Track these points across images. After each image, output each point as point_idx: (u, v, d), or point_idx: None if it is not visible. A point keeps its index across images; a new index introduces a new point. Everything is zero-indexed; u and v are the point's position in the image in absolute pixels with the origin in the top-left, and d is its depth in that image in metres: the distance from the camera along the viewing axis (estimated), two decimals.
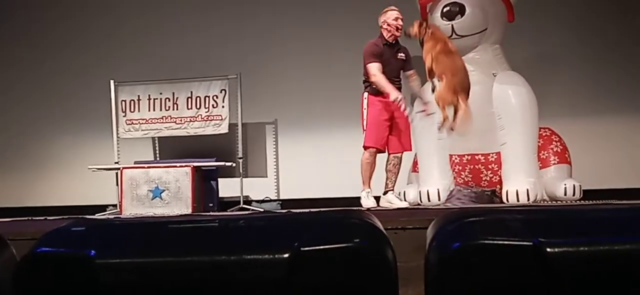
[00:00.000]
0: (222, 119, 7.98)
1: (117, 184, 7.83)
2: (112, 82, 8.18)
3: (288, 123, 8.52)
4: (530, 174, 6.48)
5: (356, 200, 6.52)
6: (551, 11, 7.94)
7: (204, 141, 8.13)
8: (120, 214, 7.58)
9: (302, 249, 1.29)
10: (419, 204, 6.69)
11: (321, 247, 1.30)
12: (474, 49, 6.71)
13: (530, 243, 1.25)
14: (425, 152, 6.85)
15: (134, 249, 1.36)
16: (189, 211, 7.40)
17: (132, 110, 8.20)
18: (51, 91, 8.96)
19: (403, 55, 6.44)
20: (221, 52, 8.47)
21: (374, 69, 6.19)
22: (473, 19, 6.60)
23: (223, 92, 8.00)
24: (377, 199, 6.50)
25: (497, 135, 6.58)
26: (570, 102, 7.82)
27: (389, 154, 6.41)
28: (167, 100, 8.14)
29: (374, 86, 6.22)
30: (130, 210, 7.57)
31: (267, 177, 8.57)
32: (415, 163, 7.13)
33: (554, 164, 6.77)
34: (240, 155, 8.08)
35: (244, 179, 8.05)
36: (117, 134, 8.21)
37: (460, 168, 6.83)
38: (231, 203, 7.98)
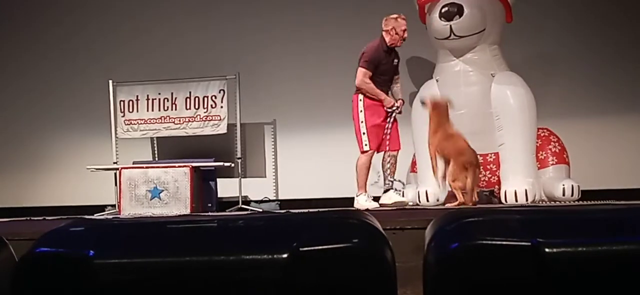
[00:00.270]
0: (220, 119, 7.98)
1: (116, 184, 7.83)
2: (110, 82, 8.17)
3: (287, 123, 8.52)
4: (529, 175, 6.48)
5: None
6: (549, 12, 7.94)
7: (203, 141, 8.13)
8: (119, 214, 7.57)
9: (300, 249, 1.29)
10: (417, 204, 6.69)
11: (320, 247, 1.30)
12: (473, 49, 6.71)
13: (529, 243, 1.25)
14: (423, 152, 6.85)
15: (133, 249, 1.36)
16: (188, 211, 7.39)
17: (130, 110, 8.19)
18: (50, 91, 8.95)
19: (396, 61, 6.55)
20: (220, 52, 8.47)
21: (363, 74, 6.29)
22: (471, 20, 6.60)
23: (222, 92, 7.99)
24: (376, 199, 6.53)
25: (495, 135, 6.58)
26: (569, 102, 7.83)
27: (385, 153, 6.46)
28: (166, 100, 8.14)
29: (361, 91, 6.30)
30: (129, 210, 7.57)
31: (265, 177, 8.56)
32: (413, 163, 7.14)
33: (552, 164, 6.78)
34: (238, 155, 8.08)
35: (242, 179, 8.05)
36: (116, 134, 8.21)
37: None
38: (230, 203, 7.98)
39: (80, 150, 8.76)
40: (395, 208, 6.31)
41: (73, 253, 1.35)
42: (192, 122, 8.06)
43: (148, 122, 8.16)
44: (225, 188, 8.11)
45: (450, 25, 6.59)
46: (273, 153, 8.63)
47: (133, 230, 1.50)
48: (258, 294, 1.30)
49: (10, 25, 9.09)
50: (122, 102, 8.20)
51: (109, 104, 8.18)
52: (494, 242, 1.27)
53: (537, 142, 6.71)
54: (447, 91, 6.76)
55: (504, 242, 1.27)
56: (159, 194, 7.54)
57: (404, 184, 6.82)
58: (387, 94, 6.51)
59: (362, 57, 6.35)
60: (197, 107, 8.04)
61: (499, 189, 6.61)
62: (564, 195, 6.50)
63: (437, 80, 6.88)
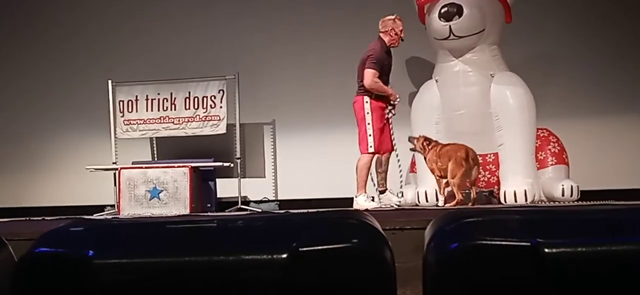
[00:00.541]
0: (220, 120, 7.98)
1: (115, 185, 7.83)
2: (109, 82, 8.17)
3: (286, 123, 8.52)
4: (528, 175, 6.49)
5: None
6: (549, 12, 7.95)
7: (202, 141, 8.13)
8: (118, 215, 7.57)
9: (300, 249, 1.29)
10: (417, 205, 6.70)
11: (319, 247, 1.30)
12: (472, 49, 6.71)
13: (528, 244, 1.25)
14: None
15: (132, 250, 1.36)
16: (187, 211, 7.39)
17: (129, 110, 8.19)
18: (49, 91, 8.95)
19: (391, 59, 6.60)
20: (219, 52, 8.47)
21: (373, 75, 6.32)
22: (471, 20, 6.60)
23: (221, 92, 7.99)
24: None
25: (494, 136, 6.58)
26: (568, 102, 7.83)
27: (381, 155, 6.52)
28: (165, 100, 8.13)
29: (373, 91, 6.33)
30: (128, 210, 7.57)
31: (265, 177, 8.56)
32: (413, 163, 7.14)
33: (552, 164, 6.78)
34: (238, 155, 8.08)
35: (242, 180, 8.05)
36: (115, 134, 8.20)
37: None
38: (229, 203, 7.98)
39: (79, 151, 8.76)
40: (395, 208, 6.34)
41: (72, 253, 1.35)
42: (192, 122, 8.06)
43: (147, 122, 8.15)
44: (225, 188, 8.11)
45: (450, 26, 6.59)
46: (272, 153, 8.63)
47: (132, 230, 1.50)
48: (257, 294, 1.29)
49: (10, 25, 9.08)
50: (121, 102, 8.20)
51: (108, 104, 8.17)
52: (493, 243, 1.27)
53: (536, 143, 6.71)
54: (447, 91, 6.77)
55: (504, 243, 1.27)
56: (158, 194, 7.54)
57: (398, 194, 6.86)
58: None
59: (368, 59, 6.38)
60: (196, 107, 8.04)
61: (499, 189, 6.61)
62: (563, 195, 6.51)
63: (436, 81, 6.88)
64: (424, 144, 6.36)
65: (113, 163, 8.10)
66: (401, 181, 7.09)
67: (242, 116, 8.05)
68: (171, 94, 8.12)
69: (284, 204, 8.17)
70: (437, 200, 6.50)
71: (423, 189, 6.66)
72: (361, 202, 6.37)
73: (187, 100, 8.07)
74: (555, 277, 1.23)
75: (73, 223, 1.49)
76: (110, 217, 7.28)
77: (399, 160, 6.78)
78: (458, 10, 6.56)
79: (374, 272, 1.30)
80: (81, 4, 8.97)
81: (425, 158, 6.39)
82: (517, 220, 1.35)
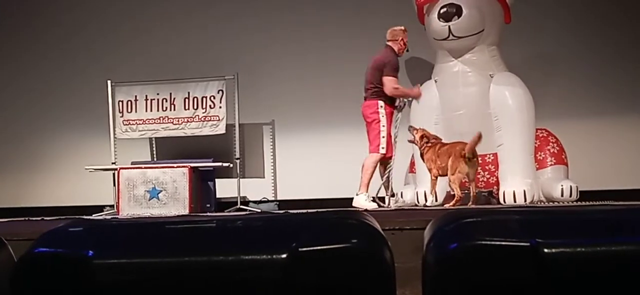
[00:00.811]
0: (219, 120, 7.97)
1: (114, 185, 7.83)
2: (109, 82, 8.17)
3: (285, 124, 8.52)
4: (527, 175, 6.49)
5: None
6: (549, 12, 7.95)
7: (201, 142, 8.13)
8: (118, 215, 7.57)
9: (299, 249, 1.29)
10: (416, 205, 6.70)
11: (319, 247, 1.30)
12: (471, 50, 6.71)
13: (527, 244, 1.25)
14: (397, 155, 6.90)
15: (131, 250, 1.36)
16: (187, 212, 7.39)
17: (129, 110, 8.19)
18: (48, 91, 8.95)
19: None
20: (218, 52, 8.47)
21: (394, 82, 6.54)
22: (470, 20, 6.60)
23: (220, 92, 7.99)
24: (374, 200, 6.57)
25: (494, 136, 6.58)
26: (568, 102, 7.84)
27: (386, 159, 6.65)
28: (165, 100, 8.13)
29: (395, 96, 6.46)
30: (128, 210, 7.56)
31: (264, 177, 8.56)
32: (412, 164, 7.14)
33: (551, 165, 6.78)
34: (237, 155, 8.08)
35: (241, 180, 8.05)
36: (114, 134, 8.20)
37: None
38: (228, 204, 7.97)
39: (79, 151, 8.76)
40: (395, 209, 6.36)
41: (71, 253, 1.35)
42: (191, 122, 8.05)
43: (147, 122, 8.15)
44: (224, 188, 8.10)
45: (449, 26, 6.59)
46: (272, 153, 8.62)
47: (131, 230, 1.50)
48: (257, 294, 1.29)
49: (10, 25, 9.08)
50: (120, 103, 8.19)
51: (107, 104, 8.17)
52: (492, 243, 1.27)
53: (535, 143, 6.71)
54: (446, 92, 6.77)
55: (503, 243, 1.27)
56: (158, 194, 7.54)
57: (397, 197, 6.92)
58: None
59: (386, 67, 6.55)
60: (195, 107, 8.04)
61: (498, 189, 6.61)
62: (562, 195, 6.51)
63: (436, 81, 6.89)
64: (423, 139, 6.36)
65: (112, 163, 8.10)
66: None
67: (242, 116, 8.05)
68: (170, 94, 8.12)
69: (283, 204, 8.17)
70: (426, 200, 6.51)
71: (422, 189, 6.66)
72: (361, 201, 6.41)
73: (187, 100, 8.07)
74: (554, 277, 1.23)
75: (72, 223, 1.49)
76: (109, 217, 7.28)
77: (391, 165, 6.79)
78: (457, 11, 6.56)
79: (373, 273, 1.30)
80: (81, 4, 8.97)
81: (421, 154, 6.40)
82: (517, 220, 1.35)
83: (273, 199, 8.48)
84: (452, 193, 6.69)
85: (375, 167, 6.57)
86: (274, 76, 8.44)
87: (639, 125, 7.94)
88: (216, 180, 8.04)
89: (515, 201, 6.31)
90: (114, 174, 7.89)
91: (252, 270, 1.30)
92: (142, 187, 7.57)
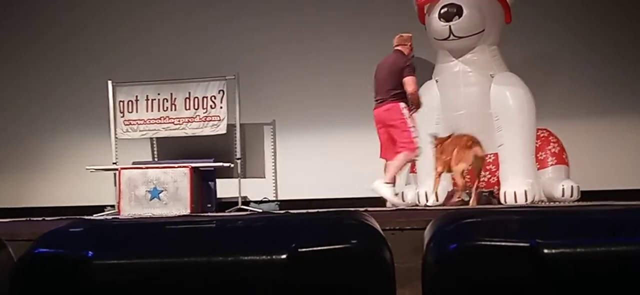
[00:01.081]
0: (220, 120, 7.98)
1: (115, 185, 7.83)
2: (109, 82, 8.17)
3: (286, 124, 8.52)
4: (528, 175, 6.49)
5: (355, 201, 6.55)
6: (549, 12, 7.95)
7: (202, 142, 8.13)
8: (119, 215, 7.57)
9: (299, 249, 1.29)
10: (416, 205, 6.70)
11: (319, 248, 1.30)
12: (472, 50, 6.72)
13: (528, 244, 1.25)
14: (423, 153, 6.85)
15: (132, 250, 1.36)
16: (187, 212, 7.40)
17: (130, 110, 8.20)
18: (49, 92, 8.95)
19: None
20: (219, 52, 8.47)
21: (415, 82, 6.29)
22: (470, 20, 6.60)
23: (221, 92, 7.99)
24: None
25: (494, 136, 6.58)
26: (568, 102, 7.83)
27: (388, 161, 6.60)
28: (165, 100, 8.14)
29: (410, 97, 6.38)
30: (129, 210, 7.57)
31: (265, 177, 8.56)
32: (413, 164, 7.13)
33: (552, 165, 6.78)
34: (238, 155, 8.08)
35: (242, 180, 8.05)
36: (115, 134, 8.21)
37: None
38: (229, 204, 7.98)
39: (79, 151, 8.76)
40: (396, 208, 6.33)
41: (72, 254, 1.35)
42: (192, 122, 8.06)
43: (147, 122, 8.16)
44: (225, 188, 8.11)
45: (450, 26, 6.59)
46: (272, 153, 8.62)
47: (132, 231, 1.50)
48: (257, 294, 1.29)
49: (10, 25, 9.08)
50: (121, 103, 8.20)
51: (108, 104, 8.17)
52: (493, 243, 1.27)
53: (536, 143, 6.71)
54: (447, 91, 6.77)
55: (503, 243, 1.27)
56: (159, 194, 7.54)
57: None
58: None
59: (405, 68, 6.29)
60: (196, 107, 8.04)
61: (499, 189, 6.61)
62: (563, 195, 6.52)
63: (436, 81, 6.89)
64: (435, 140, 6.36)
65: (113, 163, 8.10)
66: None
67: (242, 116, 8.05)
68: (171, 94, 8.13)
69: (284, 204, 8.17)
70: (427, 200, 6.49)
71: (423, 189, 6.66)
72: (383, 189, 6.22)
73: (187, 100, 8.08)
74: (554, 277, 1.23)
75: (73, 223, 1.49)
76: (110, 217, 7.28)
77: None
78: (458, 11, 6.56)
79: (373, 273, 1.30)
80: (81, 4, 8.98)
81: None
82: (517, 220, 1.35)
83: (274, 199, 8.48)
84: (452, 192, 6.70)
85: (405, 164, 6.46)
86: (274, 76, 8.44)
87: (639, 125, 7.94)
88: (217, 180, 8.05)
89: (516, 201, 6.31)
90: (115, 174, 7.90)
91: (252, 270, 1.30)
92: (143, 187, 7.58)
